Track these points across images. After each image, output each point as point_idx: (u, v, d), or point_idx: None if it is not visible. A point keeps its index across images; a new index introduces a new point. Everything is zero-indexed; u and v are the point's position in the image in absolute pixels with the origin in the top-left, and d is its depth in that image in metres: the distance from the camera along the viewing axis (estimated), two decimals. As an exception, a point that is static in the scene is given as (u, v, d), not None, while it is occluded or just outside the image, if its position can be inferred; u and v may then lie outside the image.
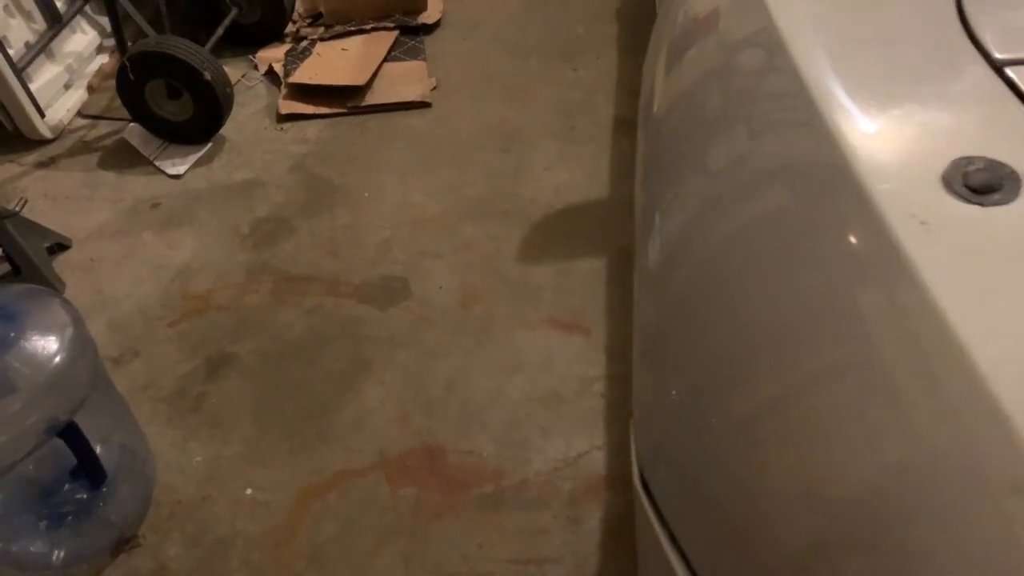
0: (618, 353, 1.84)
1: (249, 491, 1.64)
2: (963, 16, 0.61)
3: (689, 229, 0.65)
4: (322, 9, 2.93)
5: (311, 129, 2.56)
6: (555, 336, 1.89)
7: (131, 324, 1.98)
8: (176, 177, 2.40)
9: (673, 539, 0.61)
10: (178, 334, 1.95)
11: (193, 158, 2.44)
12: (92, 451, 1.43)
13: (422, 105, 2.61)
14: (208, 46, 2.49)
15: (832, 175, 0.54)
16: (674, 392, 0.61)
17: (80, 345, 1.37)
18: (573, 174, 2.32)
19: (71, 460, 1.47)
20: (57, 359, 1.32)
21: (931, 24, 0.62)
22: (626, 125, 2.48)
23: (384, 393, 1.79)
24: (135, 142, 2.50)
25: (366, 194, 2.31)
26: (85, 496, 1.54)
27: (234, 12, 2.73)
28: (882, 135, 0.54)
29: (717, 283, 0.60)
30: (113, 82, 2.59)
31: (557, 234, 2.15)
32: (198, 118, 2.42)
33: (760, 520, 0.51)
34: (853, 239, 0.52)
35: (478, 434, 1.70)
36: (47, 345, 1.33)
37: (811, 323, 0.53)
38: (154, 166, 2.44)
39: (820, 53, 0.61)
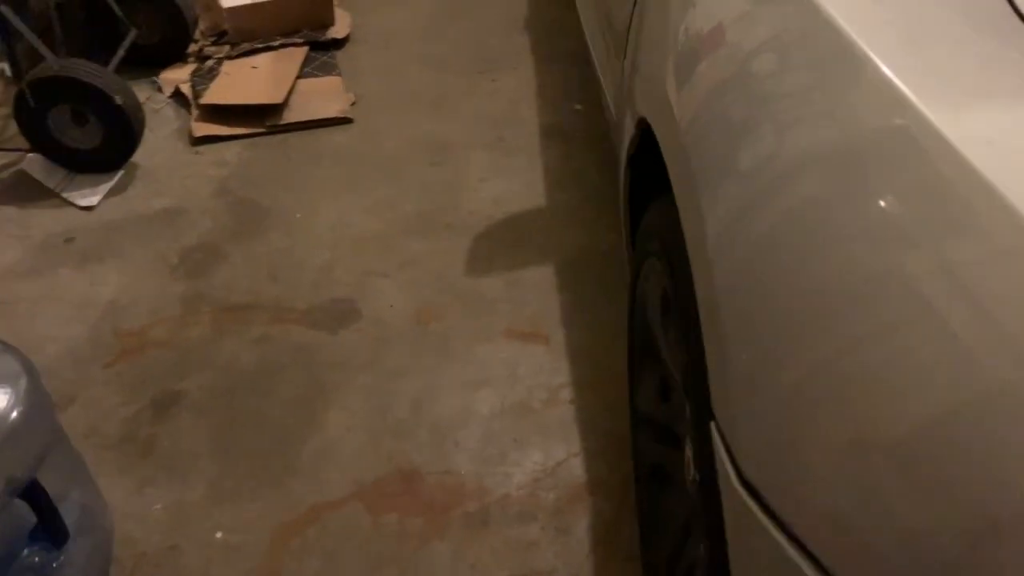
0: (579, 358, 1.84)
1: (219, 534, 1.55)
2: (1019, 13, 0.65)
3: (791, 218, 0.67)
4: (226, 27, 2.82)
5: (229, 151, 2.45)
6: (515, 347, 1.87)
7: (61, 368, 1.84)
8: (89, 208, 2.25)
9: (797, 542, 0.62)
10: (116, 375, 1.83)
11: (105, 188, 2.30)
12: (56, 510, 1.31)
13: (343, 121, 2.56)
14: (111, 68, 2.35)
15: (945, 170, 0.56)
16: (795, 378, 0.61)
17: (36, 396, 1.26)
18: (509, 184, 2.31)
19: (26, 524, 1.35)
20: (14, 413, 1.21)
21: (987, 23, 0.65)
22: (553, 134, 2.50)
23: (349, 420, 1.73)
24: (37, 174, 2.33)
25: (298, 215, 2.24)
26: (38, 560, 1.42)
27: (133, 33, 2.59)
28: (979, 127, 0.57)
29: (835, 260, 0.62)
30: (4, 110, 2.42)
31: (502, 244, 2.14)
32: (108, 145, 2.28)
33: (931, 498, 0.52)
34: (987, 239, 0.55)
35: (453, 453, 1.67)
36: (1, 399, 1.22)
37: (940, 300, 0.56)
38: (61, 198, 2.28)
39: (895, 53, 0.63)
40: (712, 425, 0.72)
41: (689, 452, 1.18)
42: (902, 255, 0.59)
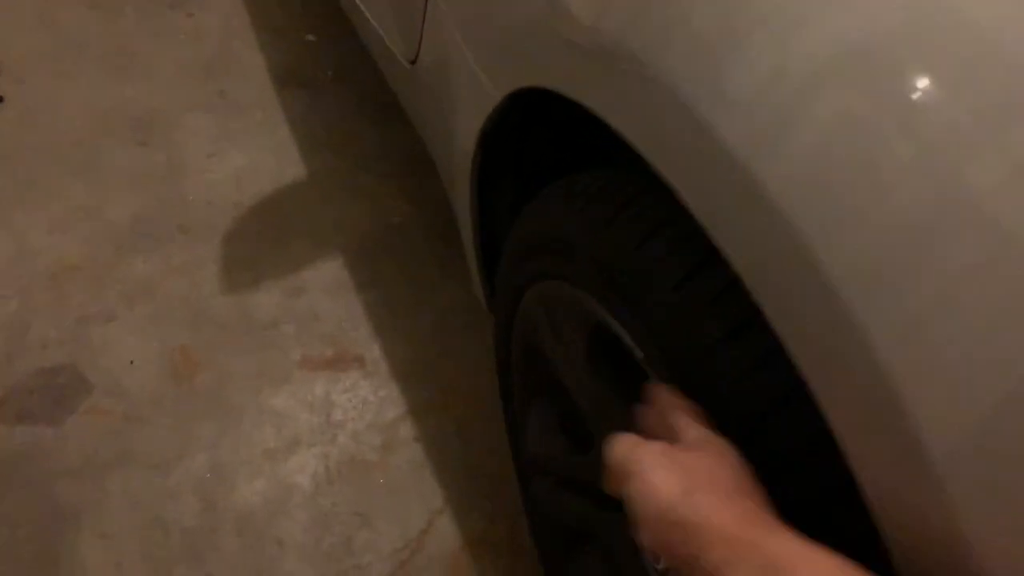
0: (410, 377, 1.43)
1: None
2: None
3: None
4: None
5: None
6: (322, 381, 1.42)
7: None
8: None
9: None
10: None
11: None
12: None
13: (-11, 101, 1.84)
14: None
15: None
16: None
17: None
18: (250, 155, 1.77)
19: None
20: None
21: None
22: (288, 77, 1.97)
23: (114, 552, 1.21)
24: None
25: (-46, 253, 1.56)
26: None
27: None
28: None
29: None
30: None
31: (264, 241, 1.63)
32: None
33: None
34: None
35: (279, 559, 1.22)
36: None
37: None
38: None
39: None
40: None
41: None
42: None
